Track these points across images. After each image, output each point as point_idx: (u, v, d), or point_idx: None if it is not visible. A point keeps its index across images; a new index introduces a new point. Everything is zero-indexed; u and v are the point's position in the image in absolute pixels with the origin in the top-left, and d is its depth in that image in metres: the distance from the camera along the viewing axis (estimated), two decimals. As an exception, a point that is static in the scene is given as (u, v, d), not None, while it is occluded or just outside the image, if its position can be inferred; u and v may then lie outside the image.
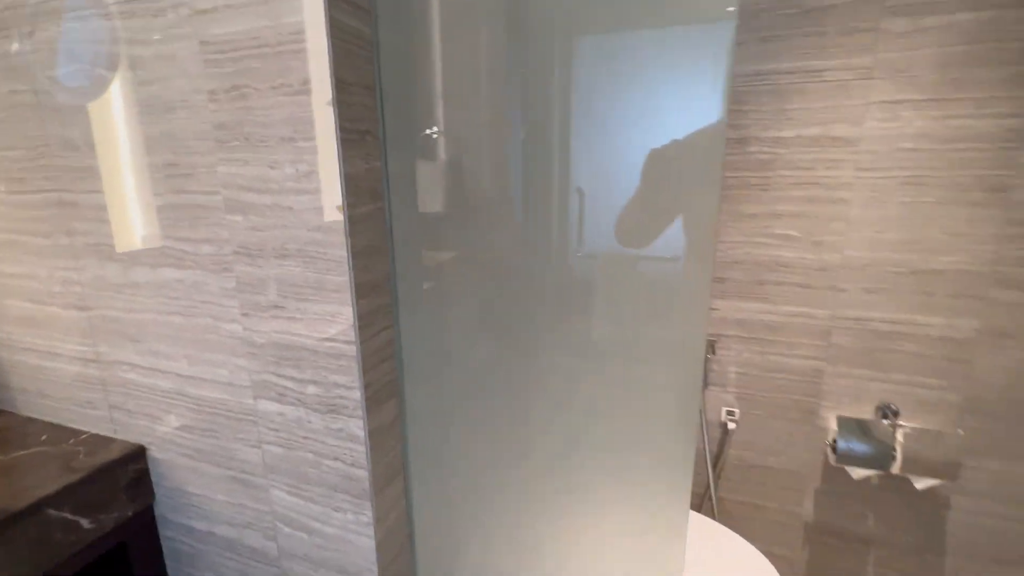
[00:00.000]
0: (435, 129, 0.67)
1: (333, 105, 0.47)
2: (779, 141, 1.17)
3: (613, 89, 0.60)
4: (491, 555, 0.68)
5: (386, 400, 0.59)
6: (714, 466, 1.40)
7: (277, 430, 0.60)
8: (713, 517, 1.36)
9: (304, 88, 0.48)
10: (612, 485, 0.61)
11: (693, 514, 1.17)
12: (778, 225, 1.21)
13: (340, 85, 0.48)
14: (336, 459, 0.58)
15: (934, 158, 1.07)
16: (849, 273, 1.18)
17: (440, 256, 0.65)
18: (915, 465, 1.16)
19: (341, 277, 0.51)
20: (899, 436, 1.16)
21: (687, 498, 0.56)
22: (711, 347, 1.33)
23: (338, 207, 0.50)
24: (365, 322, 0.54)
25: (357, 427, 0.56)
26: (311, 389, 0.56)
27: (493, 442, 0.65)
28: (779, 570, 1.39)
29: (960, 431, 1.16)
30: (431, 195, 0.64)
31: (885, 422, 1.19)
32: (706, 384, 1.36)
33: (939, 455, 1.15)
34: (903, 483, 1.22)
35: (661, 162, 0.60)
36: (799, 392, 1.28)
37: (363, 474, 0.57)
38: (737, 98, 1.18)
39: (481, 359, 0.65)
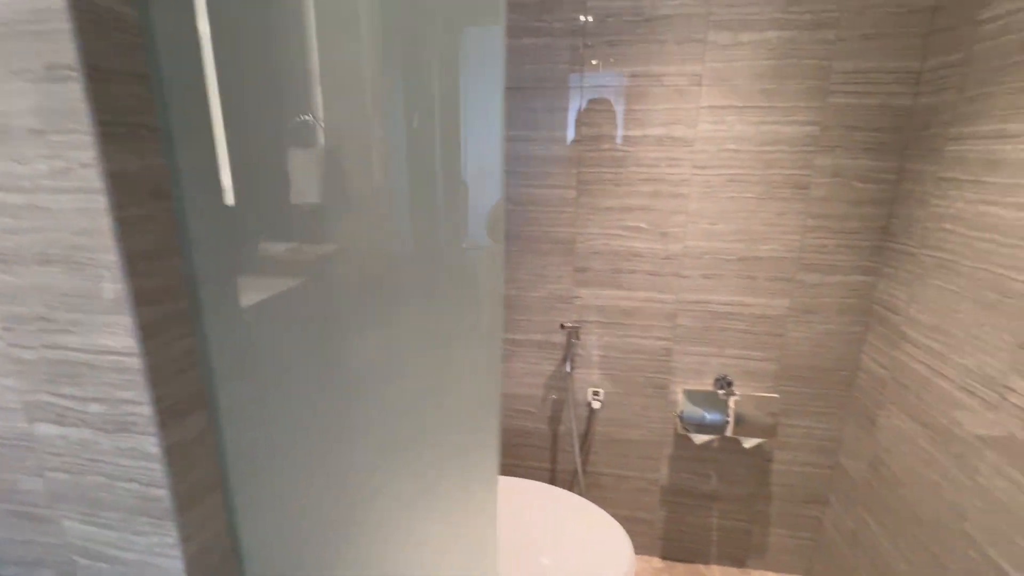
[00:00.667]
0: (310, 117, 0.63)
1: (87, 95, 0.43)
2: (629, 140, 1.26)
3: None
4: (324, 554, 0.67)
5: (189, 413, 0.55)
6: (583, 443, 1.50)
7: (60, 455, 0.54)
8: (582, 493, 1.46)
9: (51, 75, 0.43)
10: (427, 471, 0.63)
11: (559, 490, 1.25)
12: (630, 218, 1.31)
13: (95, 73, 0.43)
14: (131, 480, 0.54)
15: (752, 159, 1.22)
16: (690, 261, 1.31)
17: (303, 250, 0.62)
18: (743, 427, 1.33)
19: (116, 284, 0.47)
20: (731, 404, 1.32)
21: (495, 478, 0.59)
22: (575, 333, 1.41)
23: (103, 208, 0.45)
24: (152, 332, 0.50)
25: (151, 445, 0.52)
26: (95, 407, 0.51)
27: (320, 443, 0.64)
28: (640, 532, 1.53)
29: (776, 395, 1.35)
30: (302, 185, 0.62)
31: (721, 392, 1.35)
32: (572, 368, 1.44)
33: (761, 418, 1.33)
34: (736, 444, 1.40)
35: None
36: (652, 370, 1.41)
37: (162, 493, 0.53)
38: (591, 98, 1.25)
39: (308, 359, 0.63)
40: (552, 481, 1.57)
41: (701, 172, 1.25)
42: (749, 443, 1.35)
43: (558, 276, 1.39)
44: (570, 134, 1.28)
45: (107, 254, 0.46)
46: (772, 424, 1.33)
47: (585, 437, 1.50)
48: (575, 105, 1.26)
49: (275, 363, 0.62)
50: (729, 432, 1.33)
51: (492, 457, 0.57)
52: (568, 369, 1.41)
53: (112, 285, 0.47)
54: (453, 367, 0.59)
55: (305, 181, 0.59)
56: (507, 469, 1.58)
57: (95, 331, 0.49)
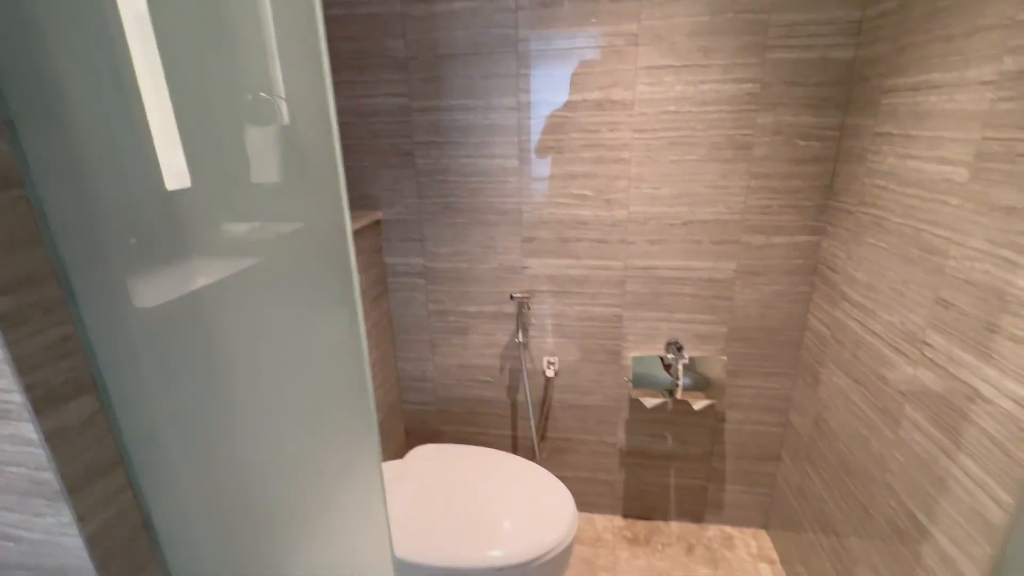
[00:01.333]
0: (261, 94, 0.62)
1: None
2: (568, 105, 1.23)
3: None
4: (236, 531, 0.70)
5: (72, 398, 0.56)
6: (541, 410, 1.53)
7: (-53, 443, 0.55)
8: (538, 458, 1.50)
9: None
10: (311, 450, 0.65)
11: (515, 458, 1.28)
12: (574, 185, 1.30)
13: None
14: (18, 465, 0.55)
15: (693, 120, 1.20)
16: (636, 227, 1.31)
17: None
18: (692, 390, 1.35)
19: (-34, 277, 0.47)
20: (679, 367, 1.34)
21: (377, 452, 0.60)
22: (526, 303, 1.41)
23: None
24: (13, 322, 0.50)
25: (29, 431, 0.53)
26: (-30, 396, 0.52)
27: (213, 423, 0.66)
28: (601, 492, 1.57)
29: (724, 357, 1.37)
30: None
31: (670, 356, 1.37)
32: (526, 337, 1.46)
33: (707, 379, 1.34)
34: (689, 405, 1.42)
35: None
36: (604, 337, 1.42)
37: (49, 476, 0.55)
38: (528, 63, 1.21)
39: (193, 340, 0.64)
40: (513, 447, 1.60)
41: (641, 136, 1.23)
42: (699, 404, 1.37)
43: (506, 247, 1.38)
44: (508, 101, 1.25)
45: (-49, 246, 0.46)
46: (720, 385, 1.35)
47: (543, 404, 1.52)
48: (512, 70, 1.22)
49: (163, 346, 0.63)
50: (678, 395, 1.35)
51: (372, 436, 0.58)
52: (520, 339, 1.42)
53: (-38, 277, 0.47)
54: (319, 348, 0.60)
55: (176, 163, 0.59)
56: (470, 437, 1.61)
57: (-43, 322, 0.49)
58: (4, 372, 0.50)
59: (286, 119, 0.65)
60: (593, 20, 1.16)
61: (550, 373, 1.45)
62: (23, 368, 0.51)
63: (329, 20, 1.24)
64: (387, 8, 1.22)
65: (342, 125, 1.33)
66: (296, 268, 0.60)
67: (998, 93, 0.73)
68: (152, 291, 0.61)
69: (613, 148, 1.25)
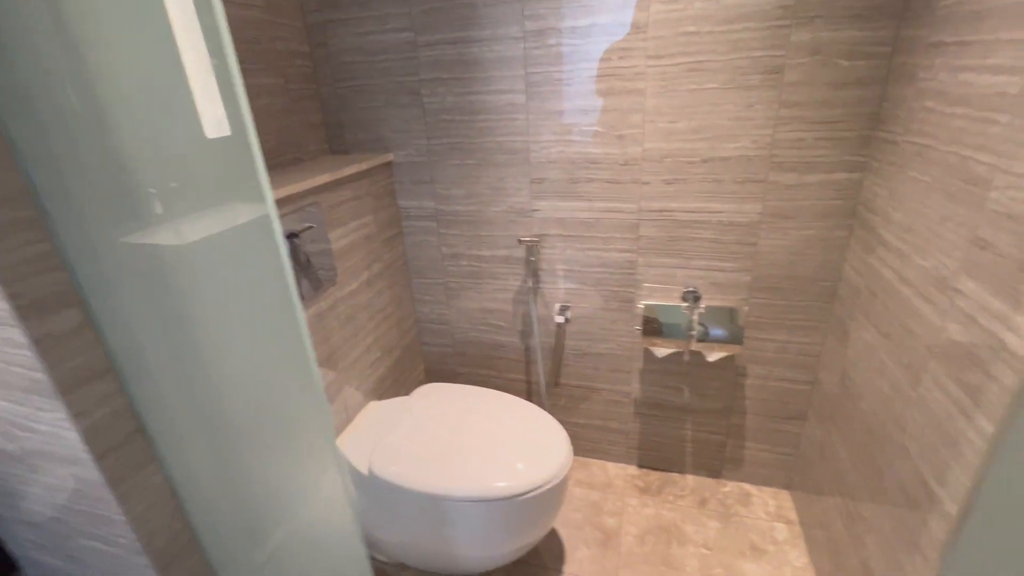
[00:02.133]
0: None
1: None
2: (574, 31, 1.14)
3: None
4: (217, 444, 0.77)
5: (57, 309, 0.62)
6: (554, 356, 1.52)
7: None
8: (544, 404, 1.50)
9: None
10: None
11: (515, 399, 1.29)
12: (584, 121, 1.22)
13: None
14: (18, 366, 0.63)
15: (714, 41, 1.07)
16: (650, 166, 1.22)
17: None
18: (707, 340, 1.28)
19: (-57, 195, 0.53)
20: (695, 316, 1.26)
21: (330, 426, 0.62)
22: (536, 248, 1.38)
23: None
24: (-13, 239, 0.56)
25: (18, 335, 0.60)
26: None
27: (190, 350, 0.71)
28: (614, 441, 1.57)
29: (746, 307, 1.27)
30: None
31: (685, 305, 1.29)
32: (536, 283, 1.43)
33: (724, 329, 1.26)
34: (704, 357, 1.35)
35: None
36: (617, 284, 1.37)
37: (41, 376, 0.62)
38: (533, -15, 1.13)
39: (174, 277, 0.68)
40: (527, 392, 1.62)
41: (657, 63, 1.12)
42: (713, 356, 1.30)
43: (516, 188, 1.34)
44: (513, 30, 1.18)
45: (-77, 166, 0.51)
46: (738, 336, 1.27)
47: (556, 351, 1.51)
48: (516, -5, 1.14)
49: (140, 273, 0.68)
50: (692, 345, 1.29)
51: (319, 401, 0.61)
52: (530, 284, 1.40)
53: (-62, 195, 0.53)
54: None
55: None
56: (485, 380, 1.65)
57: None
58: (-13, 283, 0.57)
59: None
60: (603, -70, 1.04)
61: (560, 320, 1.42)
62: (5, 278, 0.57)
63: (332, -47, 1.22)
64: (387, -65, 1.17)
65: (350, 64, 1.32)
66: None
67: (1069, -26, 0.58)
68: (124, 223, 0.65)
69: (626, 78, 1.15)
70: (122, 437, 0.72)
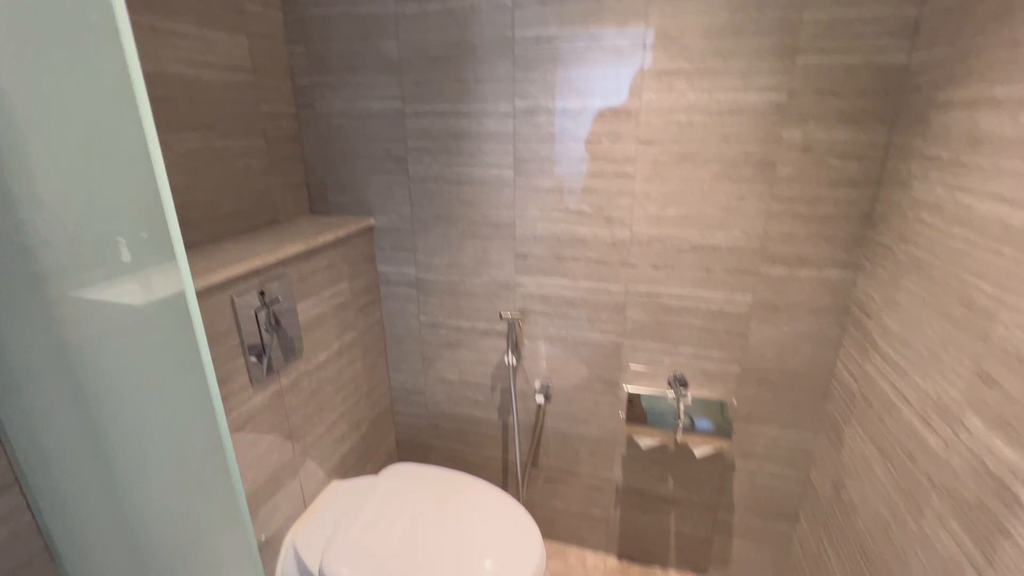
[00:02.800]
0: None
1: None
2: (565, 112, 1.12)
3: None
4: (131, 562, 0.67)
5: (-52, 422, 0.54)
6: (533, 436, 1.44)
7: None
8: (521, 488, 1.40)
9: None
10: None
11: (488, 488, 1.20)
12: (572, 200, 1.19)
13: None
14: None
15: (706, 132, 1.05)
16: (638, 248, 1.18)
17: None
18: (693, 433, 1.21)
19: None
20: (681, 407, 1.20)
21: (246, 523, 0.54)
22: (518, 324, 1.32)
23: None
24: None
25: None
26: None
27: (104, 457, 0.62)
28: (594, 528, 1.46)
29: (735, 401, 1.21)
30: None
31: (671, 393, 1.23)
32: (518, 359, 1.36)
33: (714, 424, 1.19)
34: (691, 450, 1.28)
35: None
36: (601, 365, 1.31)
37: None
38: (524, 65, 1.11)
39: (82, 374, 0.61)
40: (503, 471, 1.52)
41: (648, 148, 1.09)
42: (700, 451, 1.23)
43: (500, 262, 1.29)
44: (503, 107, 1.16)
45: None
46: (726, 431, 1.20)
47: (535, 430, 1.43)
48: (507, 73, 1.13)
49: (45, 379, 0.60)
50: (679, 437, 1.21)
51: (241, 522, 0.52)
52: (510, 362, 1.33)
53: None
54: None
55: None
56: (460, 456, 1.55)
57: None
58: None
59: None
60: (592, 19, 1.04)
61: (540, 399, 1.35)
62: None
63: (324, 20, 1.20)
64: (381, 8, 1.16)
65: (337, 127, 1.29)
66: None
67: (1075, 117, 0.55)
68: (30, 323, 0.58)
69: (616, 161, 1.12)
70: (25, 559, 0.62)
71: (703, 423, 1.21)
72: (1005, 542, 0.61)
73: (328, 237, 1.16)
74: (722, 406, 1.20)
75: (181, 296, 0.43)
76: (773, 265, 1.10)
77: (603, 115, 1.10)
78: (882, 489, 0.89)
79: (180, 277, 0.42)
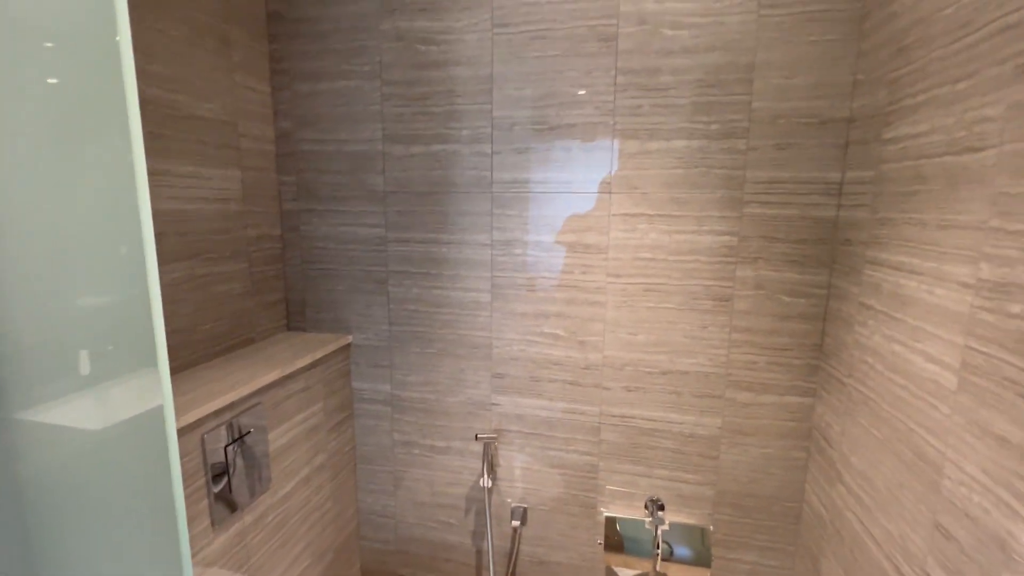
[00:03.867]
0: None
1: None
2: (539, 245, 1.21)
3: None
4: None
5: None
6: (508, 563, 1.37)
7: None
8: (501, 621, 1.32)
9: None
10: None
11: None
12: (546, 324, 1.24)
13: None
14: None
15: (668, 268, 1.14)
16: (611, 372, 1.22)
17: None
18: (673, 560, 1.18)
19: None
20: (659, 533, 1.18)
21: None
22: (493, 445, 1.31)
23: None
24: None
25: None
26: None
27: None
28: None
29: (711, 527, 1.20)
30: None
31: (648, 519, 1.22)
32: (492, 481, 1.34)
33: (693, 551, 1.18)
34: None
35: None
36: (578, 488, 1.29)
37: None
38: (501, 203, 1.21)
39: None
40: (476, 603, 1.43)
41: (616, 280, 1.18)
42: (680, 581, 1.20)
43: (475, 381, 1.31)
44: (482, 238, 1.24)
45: None
46: (706, 558, 1.18)
47: (510, 556, 1.37)
48: (486, 209, 1.22)
49: None
50: (658, 566, 1.18)
51: None
52: (484, 484, 1.30)
53: None
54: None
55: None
56: (429, 585, 1.45)
57: None
58: None
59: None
60: (562, 167, 1.16)
61: (516, 524, 1.31)
62: None
63: (319, 155, 1.30)
64: (370, 147, 1.26)
65: (320, 249, 1.34)
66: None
67: (978, 300, 0.64)
68: None
69: (587, 290, 1.20)
70: None
71: (682, 550, 1.19)
72: None
73: (306, 360, 1.17)
74: (701, 532, 1.19)
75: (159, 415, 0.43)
76: (738, 391, 1.16)
77: (575, 249, 1.19)
78: (862, 632, 0.88)
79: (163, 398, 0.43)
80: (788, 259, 1.08)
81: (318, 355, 1.22)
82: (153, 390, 0.47)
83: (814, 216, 1.06)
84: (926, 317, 0.75)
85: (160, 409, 0.47)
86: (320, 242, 1.34)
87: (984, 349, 0.63)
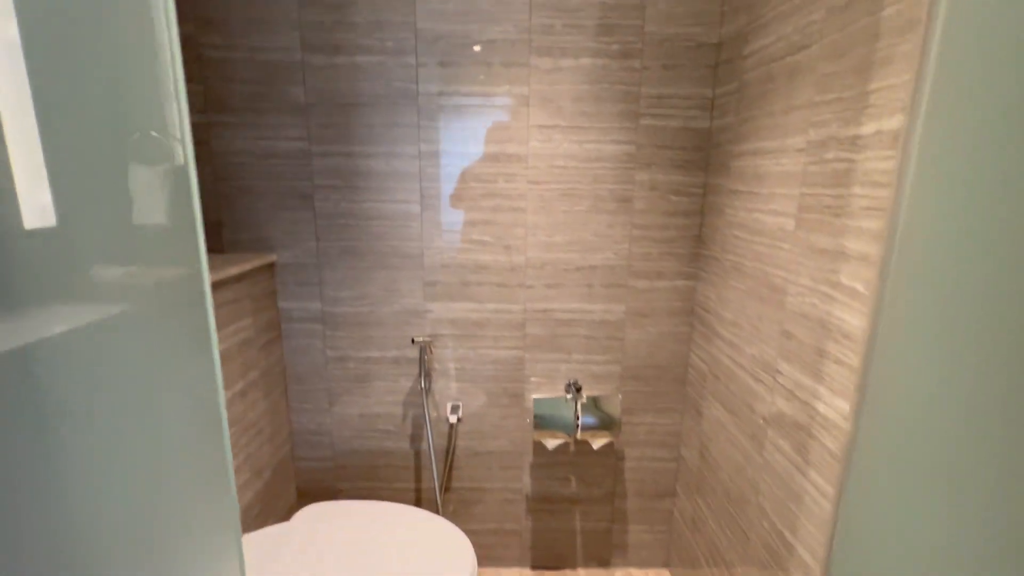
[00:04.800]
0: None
1: None
2: (466, 155, 1.30)
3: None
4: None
5: None
6: (447, 459, 1.49)
7: None
8: (441, 510, 1.44)
9: None
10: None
11: (412, 509, 1.21)
12: (474, 232, 1.35)
13: None
14: None
15: (580, 174, 1.31)
16: (533, 271, 1.37)
17: None
18: (590, 429, 1.39)
19: None
20: (577, 407, 1.38)
21: (235, 517, 0.55)
22: (428, 347, 1.41)
23: None
24: None
25: None
26: None
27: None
28: (509, 543, 1.53)
29: (620, 395, 1.43)
30: None
31: (568, 397, 1.41)
32: (429, 383, 1.43)
33: (604, 417, 1.39)
34: (590, 445, 1.45)
35: None
36: (507, 380, 1.44)
37: None
38: (429, 115, 1.28)
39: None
40: (416, 501, 1.53)
41: (535, 187, 1.32)
42: (598, 443, 1.41)
43: (409, 290, 1.38)
44: (410, 149, 1.29)
45: None
46: (616, 422, 1.40)
47: (448, 453, 1.48)
48: (412, 121, 1.28)
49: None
50: (578, 435, 1.38)
51: (227, 496, 0.54)
52: (423, 385, 1.39)
53: None
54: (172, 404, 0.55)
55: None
56: (370, 494, 1.52)
57: None
58: None
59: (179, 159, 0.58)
60: (485, 80, 1.26)
61: (453, 419, 1.42)
62: None
63: (226, 62, 1.24)
64: (287, 56, 1.24)
65: (237, 165, 1.29)
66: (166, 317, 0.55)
67: (808, 158, 0.88)
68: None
69: (510, 198, 1.32)
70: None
71: (599, 419, 1.40)
72: (814, 444, 0.87)
73: (233, 271, 1.15)
74: (611, 400, 1.41)
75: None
76: (638, 279, 1.38)
77: (498, 159, 1.30)
78: (735, 440, 1.15)
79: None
80: (674, 164, 1.31)
81: (246, 268, 1.19)
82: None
83: (693, 127, 1.29)
84: (775, 184, 0.99)
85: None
86: (234, 157, 1.29)
87: (811, 191, 0.87)
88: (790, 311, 0.94)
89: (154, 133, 0.62)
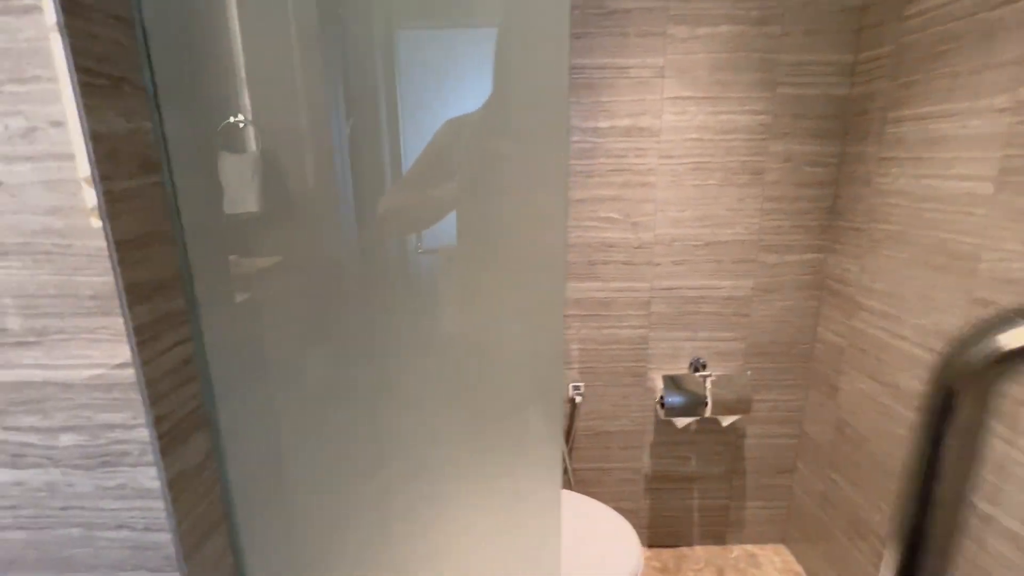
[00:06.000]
0: (240, 118, 0.53)
1: (62, 33, 0.33)
2: (597, 131, 1.27)
3: (437, 83, 0.51)
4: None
5: (192, 434, 0.45)
6: (568, 439, 1.48)
7: (14, 507, 0.42)
8: (571, 487, 1.43)
9: (10, 4, 0.33)
10: (478, 479, 0.57)
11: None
12: (602, 209, 1.32)
13: (70, 5, 0.34)
14: (120, 527, 0.43)
15: (712, 147, 1.28)
16: (661, 248, 1.34)
17: (257, 262, 0.52)
18: (720, 406, 1.37)
19: (102, 277, 0.37)
20: (708, 384, 1.36)
21: (558, 476, 0.54)
22: (555, 328, 1.39)
23: (86, 179, 0.36)
24: (148, 335, 0.40)
25: (149, 478, 0.42)
26: (67, 439, 0.40)
27: (340, 460, 0.56)
28: (629, 522, 1.53)
29: (749, 372, 1.41)
30: (241, 193, 0.50)
31: (696, 375, 1.39)
32: (553, 364, 1.42)
33: (735, 395, 1.38)
34: (713, 423, 1.44)
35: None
36: (630, 359, 1.42)
37: (164, 538, 0.43)
38: (557, 89, 1.24)
39: (316, 368, 0.55)
40: (536, 484, 1.52)
41: (667, 161, 1.28)
42: (727, 421, 1.40)
43: (533, 272, 1.36)
44: (539, 126, 1.26)
45: (90, 239, 0.36)
46: (748, 400, 1.39)
47: (569, 433, 1.47)
48: (543, 97, 1.24)
49: (288, 374, 0.53)
50: (708, 412, 1.37)
51: (554, 457, 0.52)
52: (549, 366, 1.37)
53: (96, 279, 0.37)
54: (502, 368, 0.54)
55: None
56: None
57: (70, 340, 0.38)
58: (131, 402, 0.40)
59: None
60: (618, 51, 1.22)
61: (578, 399, 1.41)
62: (155, 395, 0.41)
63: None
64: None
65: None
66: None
67: (1015, 117, 0.85)
68: (280, 311, 0.51)
69: (640, 173, 1.29)
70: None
71: (726, 396, 1.38)
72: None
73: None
74: (740, 379, 1.39)
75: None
76: (768, 253, 1.35)
77: (629, 133, 1.27)
78: (891, 412, 1.13)
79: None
80: (811, 133, 1.27)
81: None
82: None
83: (831, 94, 1.25)
84: (960, 148, 0.96)
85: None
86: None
87: (1019, 152, 0.84)
88: (986, 278, 0.91)
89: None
